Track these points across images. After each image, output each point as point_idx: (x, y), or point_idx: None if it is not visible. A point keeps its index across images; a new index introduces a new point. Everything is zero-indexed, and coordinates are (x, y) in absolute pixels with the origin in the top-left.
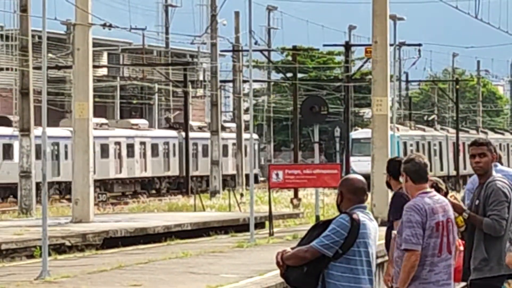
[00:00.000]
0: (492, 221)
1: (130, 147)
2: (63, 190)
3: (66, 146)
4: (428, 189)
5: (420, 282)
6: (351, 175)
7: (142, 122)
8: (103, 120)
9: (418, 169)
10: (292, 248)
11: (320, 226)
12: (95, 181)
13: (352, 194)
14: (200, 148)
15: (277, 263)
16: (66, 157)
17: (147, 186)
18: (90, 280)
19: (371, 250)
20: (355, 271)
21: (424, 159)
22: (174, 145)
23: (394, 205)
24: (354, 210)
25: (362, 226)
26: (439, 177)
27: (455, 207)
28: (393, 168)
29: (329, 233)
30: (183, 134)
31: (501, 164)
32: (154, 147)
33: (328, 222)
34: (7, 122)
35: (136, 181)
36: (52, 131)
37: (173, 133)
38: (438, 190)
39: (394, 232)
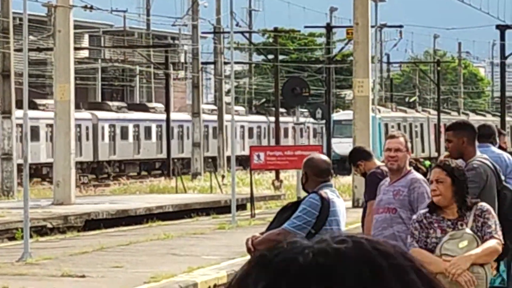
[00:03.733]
0: None
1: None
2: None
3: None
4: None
5: None
6: (315, 155)
7: (241, 109)
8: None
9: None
10: (262, 233)
11: (289, 208)
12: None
13: (318, 175)
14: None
15: (248, 249)
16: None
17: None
18: (71, 262)
19: (342, 227)
20: None
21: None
22: (265, 128)
23: (369, 185)
24: (322, 189)
25: (332, 203)
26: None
27: None
28: (359, 153)
29: (301, 214)
30: (271, 118)
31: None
32: (250, 131)
33: (297, 204)
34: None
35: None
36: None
37: (262, 118)
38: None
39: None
